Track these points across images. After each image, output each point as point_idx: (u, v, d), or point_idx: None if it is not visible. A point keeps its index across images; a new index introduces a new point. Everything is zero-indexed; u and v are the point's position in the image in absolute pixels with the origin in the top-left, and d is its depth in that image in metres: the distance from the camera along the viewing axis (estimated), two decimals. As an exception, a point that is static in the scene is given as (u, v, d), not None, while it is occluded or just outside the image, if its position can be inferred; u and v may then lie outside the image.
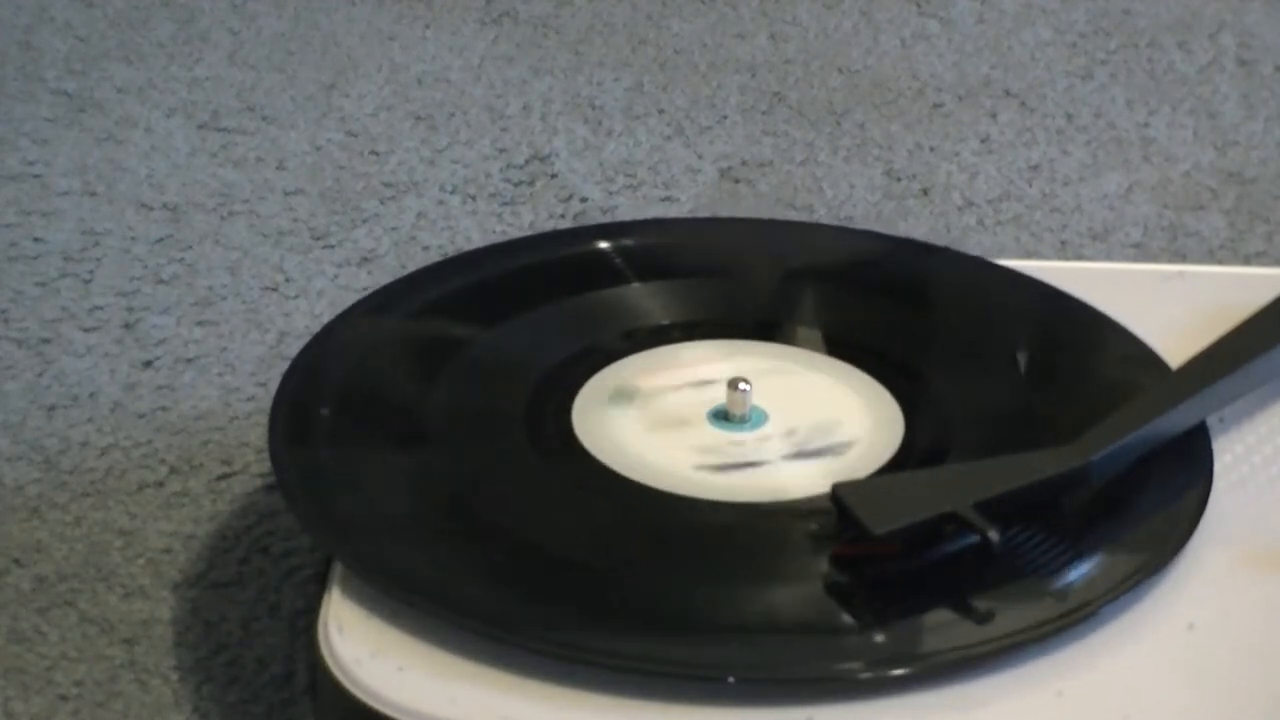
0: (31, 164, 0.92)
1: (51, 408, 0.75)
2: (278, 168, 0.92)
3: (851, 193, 0.91)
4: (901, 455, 0.64)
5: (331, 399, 0.65)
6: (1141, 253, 0.87)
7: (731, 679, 0.54)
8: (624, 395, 0.67)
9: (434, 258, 0.85)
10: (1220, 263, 0.86)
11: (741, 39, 1.05)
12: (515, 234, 0.86)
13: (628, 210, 0.89)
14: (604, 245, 0.74)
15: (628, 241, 0.75)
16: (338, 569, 0.58)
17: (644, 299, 0.72)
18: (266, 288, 0.83)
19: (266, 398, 0.72)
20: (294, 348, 0.76)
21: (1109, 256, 0.87)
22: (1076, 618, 0.56)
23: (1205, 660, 0.56)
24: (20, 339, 0.79)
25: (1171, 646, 0.57)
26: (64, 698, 0.61)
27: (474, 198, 0.90)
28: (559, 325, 0.70)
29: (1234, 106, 0.99)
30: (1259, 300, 0.69)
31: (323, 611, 0.57)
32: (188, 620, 0.65)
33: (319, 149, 0.93)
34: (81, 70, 1.00)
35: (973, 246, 0.86)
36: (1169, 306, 0.72)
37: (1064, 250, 0.87)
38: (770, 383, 0.67)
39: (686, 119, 0.97)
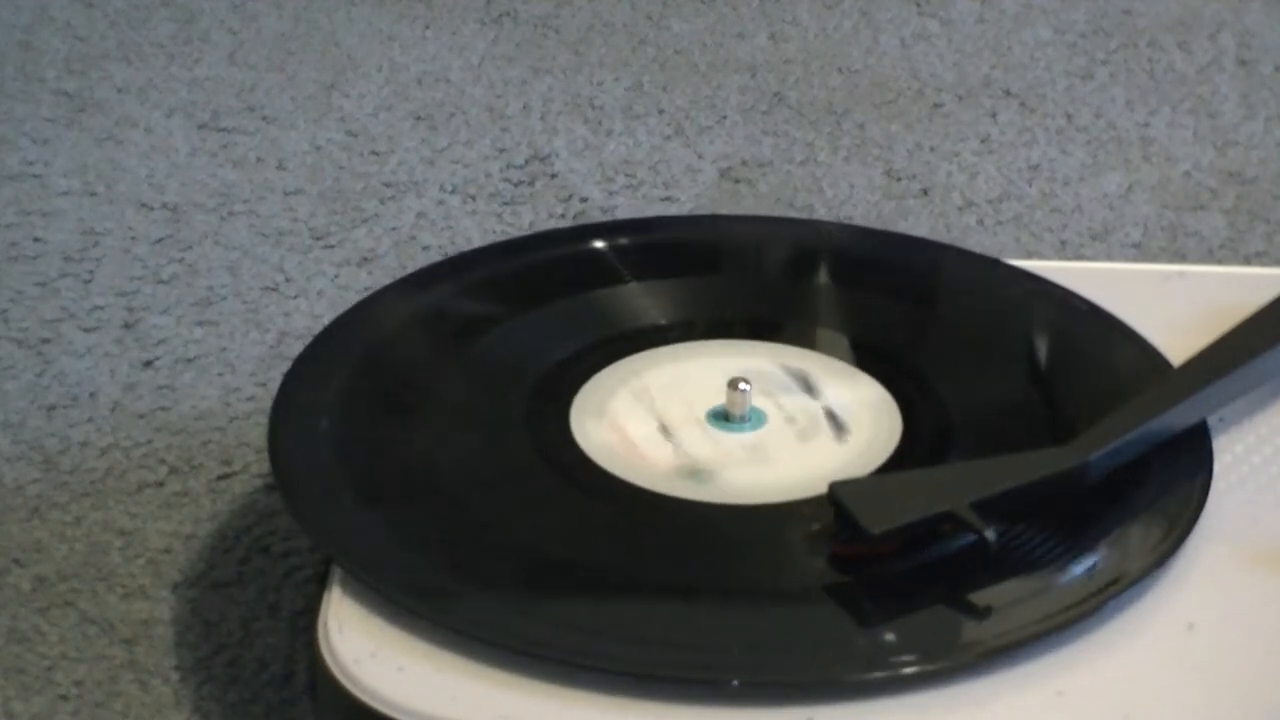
0: (31, 164, 0.92)
1: (51, 408, 0.75)
2: (278, 168, 0.92)
3: (851, 193, 0.91)
4: (900, 454, 0.64)
5: (331, 400, 0.65)
6: (1141, 253, 0.87)
7: (736, 682, 0.54)
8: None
9: (434, 258, 0.85)
10: (1220, 263, 0.86)
11: (741, 39, 1.05)
12: (515, 234, 0.86)
13: (628, 210, 0.89)
14: (601, 244, 0.74)
15: (625, 240, 0.75)
16: (337, 569, 0.58)
17: (642, 298, 0.72)
18: (266, 288, 0.83)
19: (266, 398, 0.72)
20: (294, 348, 0.76)
21: (1109, 256, 0.87)
22: (1076, 615, 0.56)
23: (1205, 660, 0.56)
24: (20, 339, 0.79)
25: (1171, 646, 0.57)
26: (64, 698, 0.61)
27: (474, 198, 0.90)
28: (559, 325, 0.70)
29: (1234, 106, 0.99)
30: (1259, 300, 0.69)
31: (323, 611, 0.57)
32: (188, 620, 0.65)
33: (319, 149, 0.93)
34: (81, 70, 1.00)
35: (972, 247, 0.86)
36: (1169, 306, 0.72)
37: (1064, 250, 0.87)
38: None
39: (686, 119, 0.97)
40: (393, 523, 0.60)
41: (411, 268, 0.81)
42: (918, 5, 1.09)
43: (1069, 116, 0.98)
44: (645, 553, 0.60)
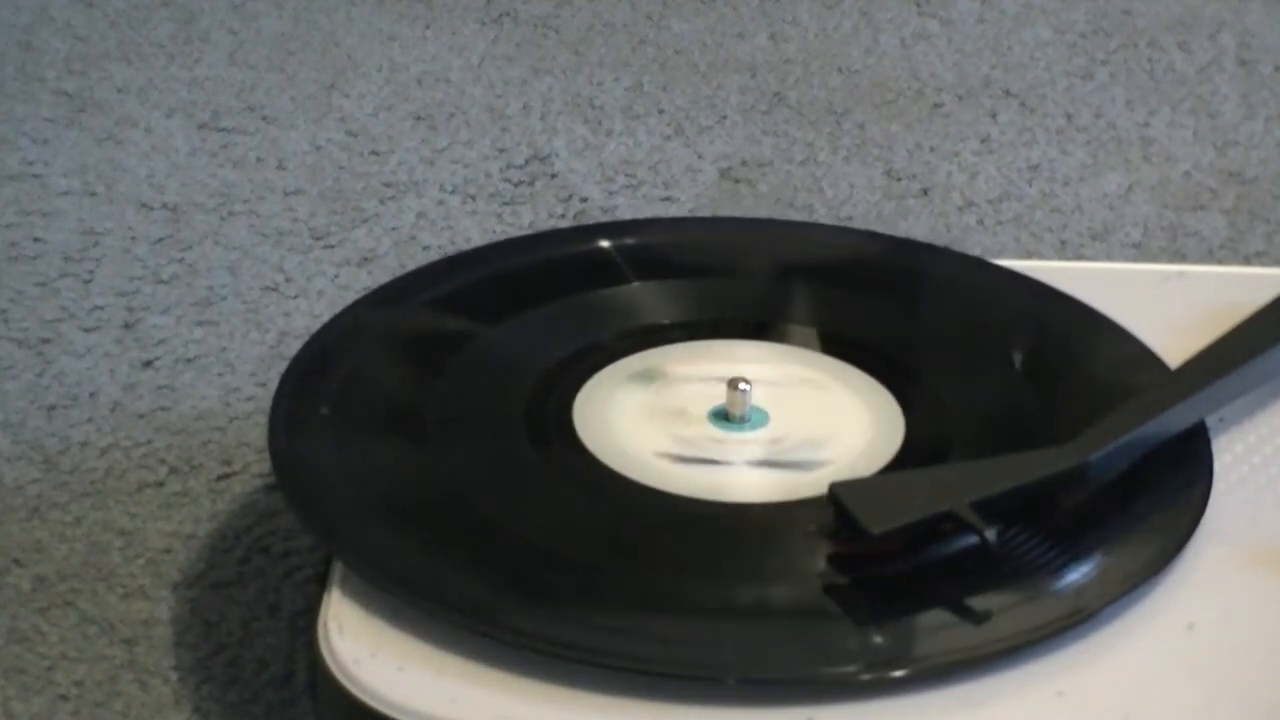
0: (31, 164, 0.92)
1: (51, 408, 0.75)
2: (278, 168, 0.92)
3: (851, 193, 0.91)
4: (902, 455, 0.64)
5: (331, 398, 0.65)
6: (1141, 253, 0.87)
7: (732, 680, 0.54)
8: (623, 395, 0.67)
9: (434, 258, 0.85)
10: (1220, 263, 0.86)
11: (741, 39, 1.05)
12: (515, 234, 0.86)
13: (628, 210, 0.89)
14: (605, 244, 0.74)
15: (629, 240, 0.75)
16: (338, 569, 0.58)
17: (644, 298, 0.72)
18: (266, 288, 0.83)
19: (266, 398, 0.72)
20: (294, 348, 0.76)
21: (1109, 256, 0.87)
22: (1077, 619, 0.56)
23: (1205, 660, 0.56)
24: (20, 339, 0.79)
25: (1171, 646, 0.57)
26: (64, 698, 0.61)
27: (474, 198, 0.90)
28: (559, 324, 0.70)
29: (1234, 106, 0.99)
30: (1259, 300, 0.69)
31: (323, 611, 0.57)
32: (188, 620, 0.65)
33: (319, 149, 0.93)
34: (81, 70, 1.00)
35: (973, 246, 0.86)
36: (1169, 306, 0.72)
37: (1064, 250, 0.87)
38: (768, 383, 0.67)
39: (686, 119, 0.97)
40: (394, 520, 0.60)
41: (411, 268, 0.81)
42: (918, 5, 1.09)
43: (1069, 116, 0.98)
44: (646, 551, 0.60)
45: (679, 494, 0.62)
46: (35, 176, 0.91)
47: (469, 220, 0.88)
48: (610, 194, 0.90)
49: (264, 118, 0.96)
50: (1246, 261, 0.86)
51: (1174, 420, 0.63)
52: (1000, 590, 0.58)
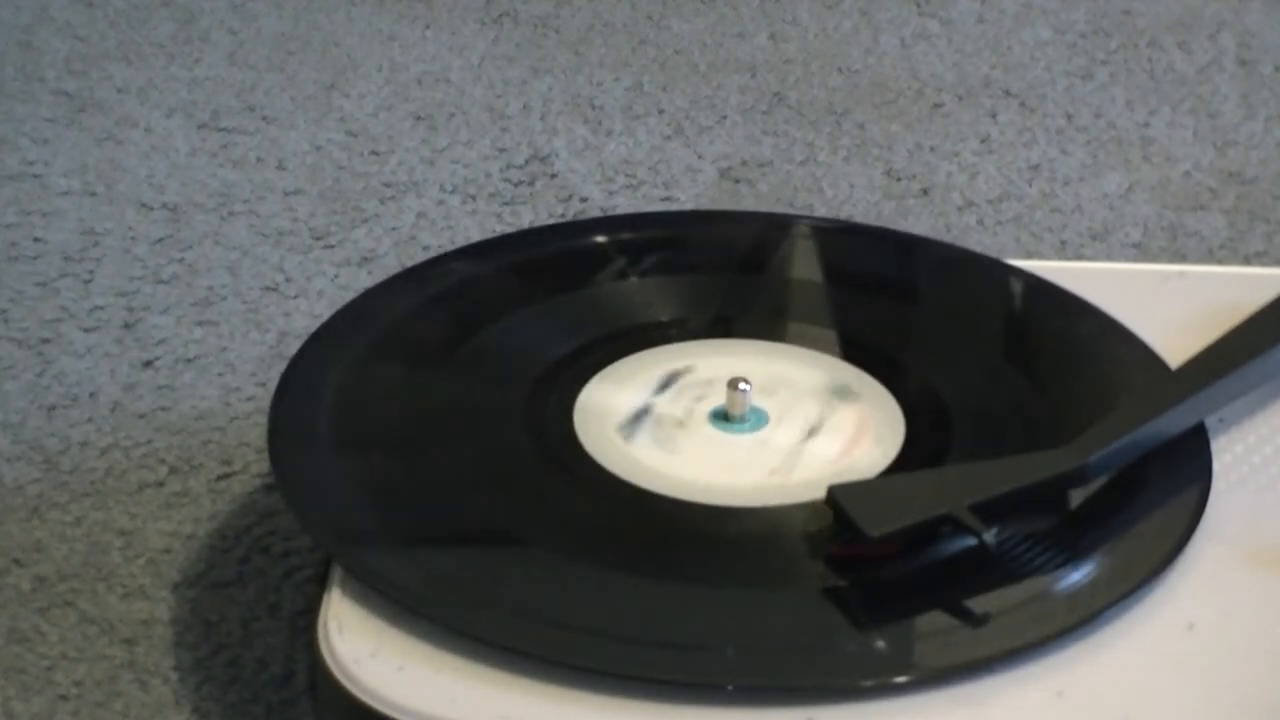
0: (31, 164, 0.92)
1: (51, 408, 0.75)
2: (278, 168, 0.92)
3: (851, 193, 0.91)
4: (902, 456, 0.64)
5: (331, 398, 0.65)
6: (1141, 253, 0.87)
7: (731, 688, 0.54)
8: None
9: (434, 258, 0.85)
10: (1220, 263, 0.86)
11: (741, 39, 1.05)
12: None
13: (627, 210, 0.89)
14: (602, 239, 0.74)
15: (626, 235, 0.74)
16: (338, 568, 0.58)
17: (643, 296, 0.72)
18: (266, 288, 0.83)
19: (266, 398, 0.72)
20: (294, 348, 0.76)
21: (1109, 256, 0.87)
22: (1075, 623, 0.56)
23: (1205, 660, 0.56)
24: (20, 339, 0.79)
25: (1171, 646, 0.57)
26: (64, 698, 0.61)
27: (474, 198, 0.90)
28: (559, 322, 0.70)
29: (1234, 106, 0.99)
30: (1259, 300, 0.69)
31: (323, 611, 0.57)
32: (188, 620, 0.65)
33: (319, 149, 0.93)
34: (81, 70, 1.00)
35: (972, 246, 0.86)
36: (1169, 306, 0.72)
37: (1064, 250, 0.87)
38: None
39: (686, 119, 0.97)
40: (393, 521, 0.60)
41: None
42: (918, 5, 1.09)
43: (1069, 116, 0.98)
44: (647, 554, 0.60)
45: (681, 499, 0.62)
46: (35, 176, 0.91)
47: (469, 220, 0.88)
48: (610, 194, 0.90)
49: (264, 118, 0.96)
50: (1246, 261, 0.86)
51: (1174, 420, 0.63)
52: (1000, 592, 0.58)
